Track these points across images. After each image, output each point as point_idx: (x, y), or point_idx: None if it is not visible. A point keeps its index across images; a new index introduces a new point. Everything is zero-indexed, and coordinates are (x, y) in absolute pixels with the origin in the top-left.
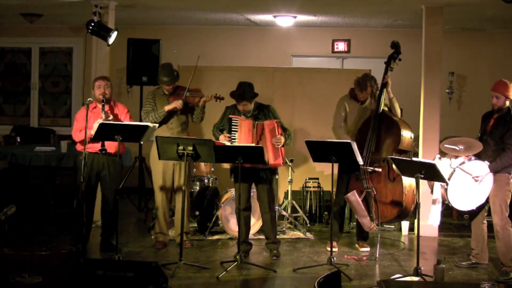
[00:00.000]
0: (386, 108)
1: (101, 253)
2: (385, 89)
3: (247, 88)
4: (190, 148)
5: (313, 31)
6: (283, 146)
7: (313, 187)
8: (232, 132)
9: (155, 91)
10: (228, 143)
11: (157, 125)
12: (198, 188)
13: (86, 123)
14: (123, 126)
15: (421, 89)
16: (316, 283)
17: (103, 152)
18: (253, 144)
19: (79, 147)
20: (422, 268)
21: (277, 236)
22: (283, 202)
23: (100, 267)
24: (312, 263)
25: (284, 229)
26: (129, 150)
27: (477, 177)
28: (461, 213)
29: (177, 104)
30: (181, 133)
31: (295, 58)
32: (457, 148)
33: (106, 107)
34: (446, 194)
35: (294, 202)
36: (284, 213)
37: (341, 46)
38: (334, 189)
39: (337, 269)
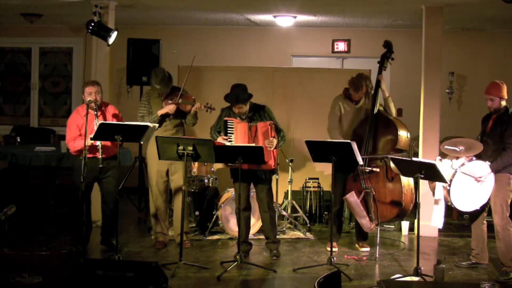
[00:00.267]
0: (381, 108)
1: (101, 253)
2: (380, 89)
3: (241, 91)
4: (190, 148)
5: (313, 31)
6: (275, 148)
7: (313, 187)
8: (228, 134)
9: (150, 92)
10: (227, 143)
11: (157, 125)
12: (197, 188)
13: (86, 122)
14: (123, 126)
15: (421, 89)
16: (316, 283)
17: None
18: (253, 144)
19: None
20: (422, 268)
21: (277, 236)
22: (283, 202)
23: (100, 267)
24: (312, 263)
25: (284, 229)
26: (129, 150)
27: (480, 177)
28: (463, 214)
29: (169, 108)
30: (175, 134)
31: (295, 58)
32: (458, 149)
33: (98, 113)
34: (449, 196)
35: (294, 202)
36: (284, 213)
37: (341, 46)
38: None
39: (337, 269)
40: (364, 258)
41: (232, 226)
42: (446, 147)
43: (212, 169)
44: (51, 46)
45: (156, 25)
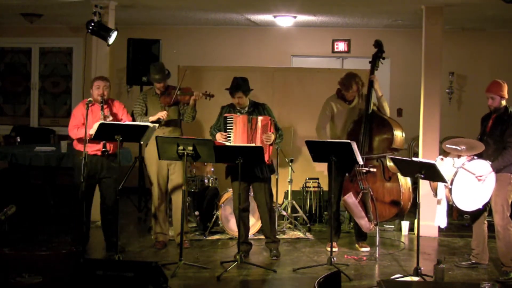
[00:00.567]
0: (375, 108)
1: (101, 253)
2: (373, 89)
3: (241, 81)
4: (190, 148)
5: (313, 31)
6: (271, 144)
7: (313, 187)
8: (227, 130)
9: (147, 91)
10: (225, 142)
11: (157, 125)
12: (197, 188)
13: (86, 122)
14: (123, 126)
15: (421, 89)
16: (316, 283)
17: (105, 153)
18: (253, 144)
19: (76, 145)
20: (422, 268)
21: (277, 236)
22: (283, 202)
23: (100, 267)
24: (312, 263)
25: (284, 229)
26: (129, 150)
27: (481, 176)
28: (463, 213)
29: (161, 115)
30: (172, 132)
31: (295, 58)
32: (459, 148)
33: (105, 107)
34: (451, 195)
35: (294, 202)
36: (284, 213)
37: (341, 46)
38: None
39: (337, 269)
40: (364, 258)
41: (232, 226)
42: (448, 145)
43: (212, 169)
44: (51, 46)
45: (156, 25)
